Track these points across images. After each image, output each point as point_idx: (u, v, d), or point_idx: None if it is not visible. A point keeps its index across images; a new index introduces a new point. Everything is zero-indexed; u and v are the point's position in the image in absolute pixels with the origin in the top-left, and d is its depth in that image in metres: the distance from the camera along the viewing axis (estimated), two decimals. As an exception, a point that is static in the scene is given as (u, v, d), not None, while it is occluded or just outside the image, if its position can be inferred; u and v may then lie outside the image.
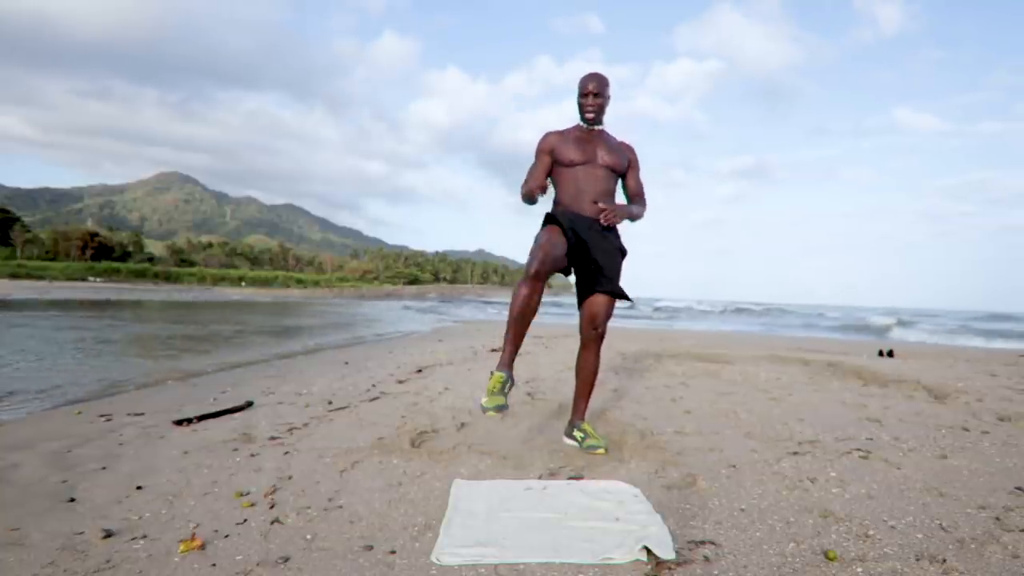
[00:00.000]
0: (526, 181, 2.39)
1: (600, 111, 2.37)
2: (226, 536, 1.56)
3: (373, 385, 3.97)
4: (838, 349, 7.78)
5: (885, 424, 2.92)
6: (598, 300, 2.37)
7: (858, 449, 2.43)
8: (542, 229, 2.29)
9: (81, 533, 1.58)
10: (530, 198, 2.32)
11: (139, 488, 1.92)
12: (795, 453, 2.36)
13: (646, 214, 2.49)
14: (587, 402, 2.50)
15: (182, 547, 1.48)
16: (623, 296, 2.38)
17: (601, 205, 2.30)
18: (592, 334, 2.39)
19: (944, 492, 1.91)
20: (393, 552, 1.47)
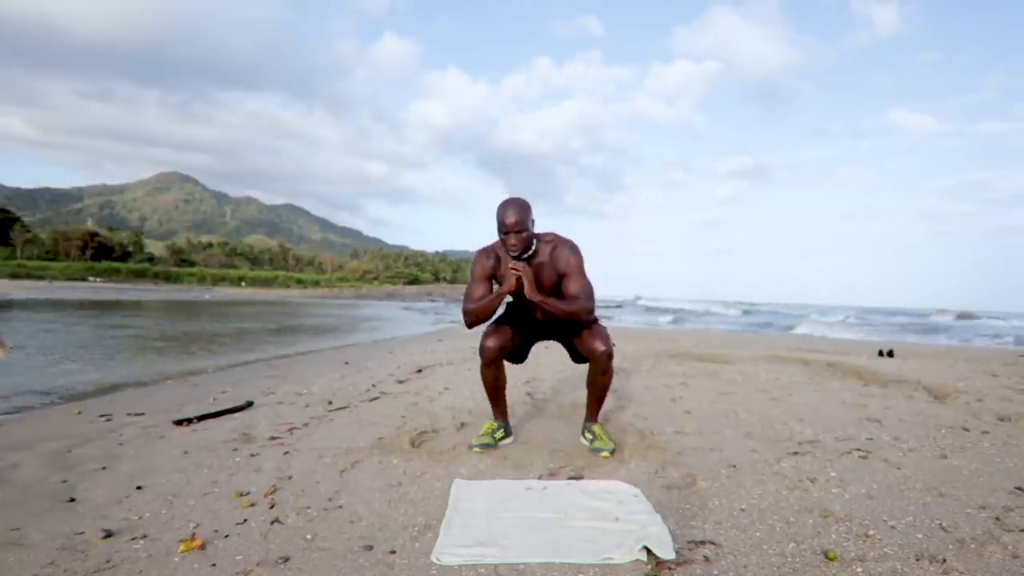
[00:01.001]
0: (472, 308, 2.29)
1: (524, 246, 2.21)
2: (226, 536, 1.56)
3: (373, 385, 3.97)
4: (838, 349, 7.78)
5: (885, 424, 2.92)
6: (583, 337, 2.33)
7: (858, 449, 2.43)
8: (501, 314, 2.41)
9: (81, 533, 1.58)
10: (473, 325, 2.31)
11: (139, 488, 1.93)
12: (795, 453, 2.36)
13: (587, 315, 2.26)
14: (599, 407, 2.49)
15: (182, 547, 1.48)
16: (591, 322, 2.33)
17: (513, 268, 2.20)
18: (598, 355, 2.30)
19: (944, 492, 1.91)
20: (393, 552, 1.47)
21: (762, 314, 31.01)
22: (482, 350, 2.37)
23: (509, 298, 2.38)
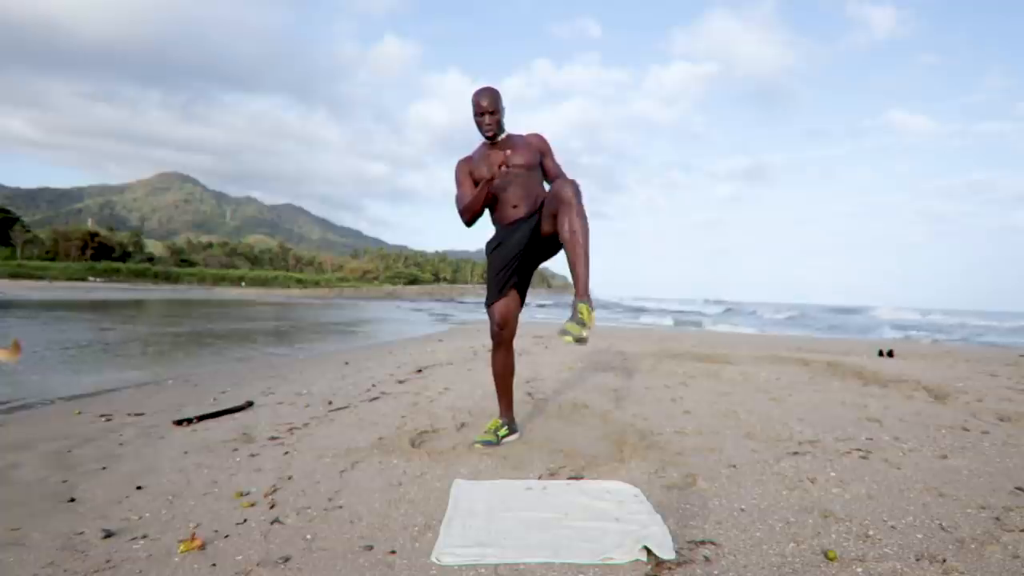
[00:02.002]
0: (461, 207, 2.47)
1: (498, 127, 2.41)
2: (226, 536, 1.56)
3: (373, 385, 3.97)
4: (838, 349, 7.78)
5: (885, 424, 2.92)
6: (549, 200, 2.25)
7: (858, 449, 2.43)
8: (489, 278, 2.53)
9: (81, 533, 1.58)
10: (470, 221, 2.46)
11: (139, 488, 1.93)
12: (795, 453, 2.36)
13: (575, 186, 2.21)
14: (585, 275, 2.09)
15: (182, 547, 1.48)
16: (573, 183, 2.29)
17: (497, 166, 2.31)
18: (565, 196, 2.14)
19: (944, 492, 1.91)
20: (393, 552, 1.47)
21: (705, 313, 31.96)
22: (494, 331, 2.51)
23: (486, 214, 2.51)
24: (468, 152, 2.56)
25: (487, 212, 2.54)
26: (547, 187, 2.52)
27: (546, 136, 2.56)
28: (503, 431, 2.51)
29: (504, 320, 2.49)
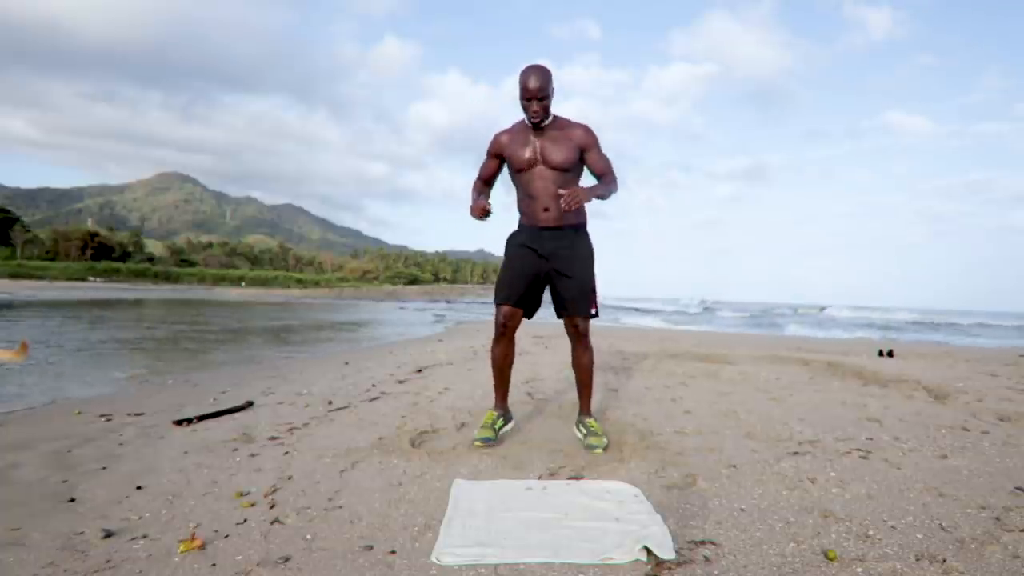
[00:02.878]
0: (475, 188, 2.50)
1: (545, 113, 2.27)
2: (226, 536, 1.56)
3: (373, 385, 3.97)
4: (838, 349, 7.78)
5: (885, 424, 2.92)
6: (571, 318, 2.44)
7: (858, 449, 2.43)
8: (502, 276, 2.45)
9: (81, 533, 1.58)
10: (478, 213, 2.35)
11: (139, 488, 1.93)
12: (795, 453, 2.36)
13: (617, 189, 2.38)
14: (589, 396, 2.54)
15: (182, 547, 1.48)
16: (594, 309, 2.43)
17: (561, 192, 2.24)
18: (573, 332, 2.45)
19: (944, 492, 1.91)
20: (393, 552, 1.47)
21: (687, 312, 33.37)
22: (498, 323, 2.45)
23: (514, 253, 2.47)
24: (482, 134, 2.53)
25: (514, 201, 2.49)
26: (593, 182, 2.41)
27: (591, 128, 2.38)
28: (499, 423, 2.50)
29: (506, 322, 2.46)
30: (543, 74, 2.22)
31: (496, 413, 2.54)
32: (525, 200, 2.42)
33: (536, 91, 2.20)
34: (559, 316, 2.50)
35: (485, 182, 2.54)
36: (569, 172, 2.34)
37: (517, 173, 2.38)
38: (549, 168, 2.31)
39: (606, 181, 2.36)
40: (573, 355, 2.52)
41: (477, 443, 2.38)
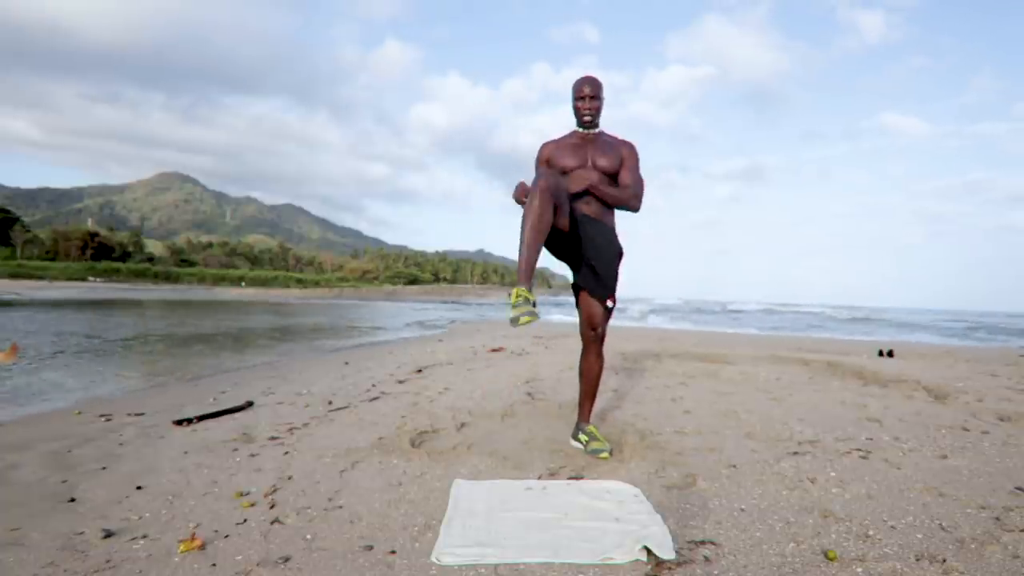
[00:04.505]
0: (526, 198, 2.24)
1: (596, 114, 2.39)
2: (226, 536, 1.56)
3: (373, 385, 3.97)
4: (838, 349, 7.77)
5: (885, 424, 2.92)
6: (594, 303, 2.36)
7: (858, 449, 2.43)
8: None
9: (81, 533, 1.58)
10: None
11: (139, 488, 1.93)
12: (795, 453, 2.36)
13: (634, 204, 2.39)
14: (592, 404, 2.52)
15: (182, 547, 1.48)
16: (611, 302, 2.37)
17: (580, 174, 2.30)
18: (591, 335, 2.40)
19: (944, 492, 1.91)
20: (393, 552, 1.47)
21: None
22: (540, 173, 2.12)
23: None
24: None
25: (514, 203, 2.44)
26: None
27: (636, 147, 2.43)
28: (533, 297, 1.99)
29: (548, 184, 2.06)
30: (595, 81, 2.39)
31: (524, 288, 1.98)
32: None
33: (589, 92, 2.36)
34: (577, 301, 2.41)
35: None
36: (610, 177, 2.39)
37: (563, 174, 2.39)
38: (595, 172, 2.35)
39: (622, 189, 2.38)
40: (583, 361, 2.45)
41: (524, 319, 1.89)
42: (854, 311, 39.18)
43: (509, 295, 2.03)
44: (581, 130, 2.42)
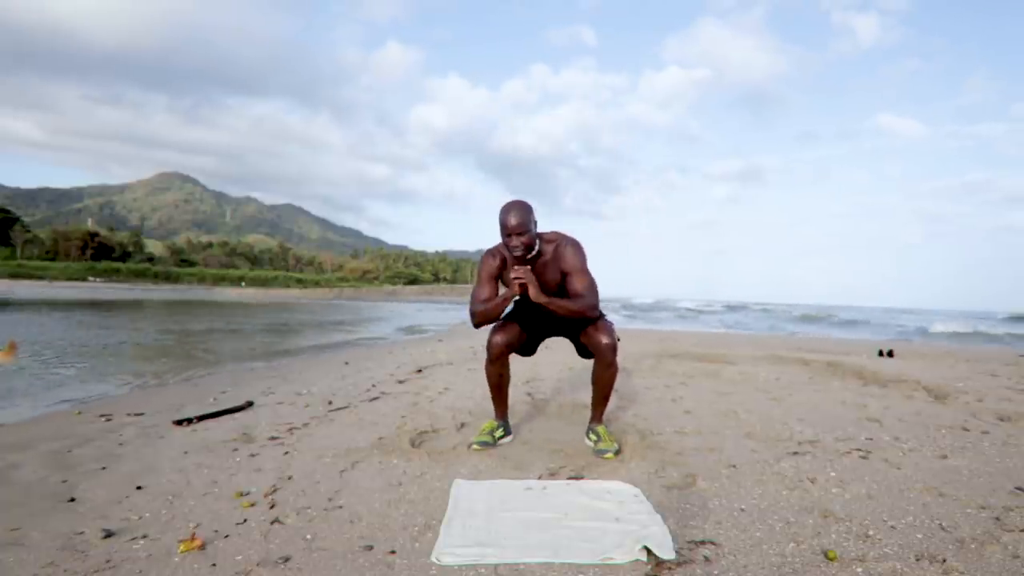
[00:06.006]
0: (478, 310, 2.31)
1: (528, 249, 2.25)
2: (226, 536, 1.56)
3: (373, 385, 3.97)
4: (838, 349, 7.77)
5: (885, 424, 2.92)
6: (588, 332, 2.36)
7: (858, 449, 2.43)
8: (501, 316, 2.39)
9: (81, 533, 1.58)
10: (480, 325, 2.33)
11: (139, 488, 1.92)
12: (795, 453, 2.36)
13: (592, 314, 2.28)
14: (603, 408, 2.52)
15: (182, 547, 1.48)
16: (596, 318, 2.36)
17: (516, 275, 2.20)
18: (602, 347, 2.33)
19: (944, 492, 1.91)
20: (393, 552, 1.47)
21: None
22: (489, 346, 2.42)
23: (516, 298, 2.40)
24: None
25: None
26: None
27: (582, 247, 2.33)
28: (499, 432, 2.50)
29: (499, 346, 2.40)
30: (522, 209, 2.22)
31: (497, 423, 2.54)
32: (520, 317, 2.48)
33: (516, 227, 2.20)
34: (581, 355, 2.56)
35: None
36: (560, 290, 2.33)
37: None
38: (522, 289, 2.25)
39: (572, 300, 2.27)
40: (597, 368, 2.41)
41: (475, 447, 2.38)
42: (824, 310, 40.25)
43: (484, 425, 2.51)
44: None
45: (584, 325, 2.36)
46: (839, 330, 18.84)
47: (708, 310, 36.41)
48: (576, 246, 2.33)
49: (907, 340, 12.79)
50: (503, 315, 2.43)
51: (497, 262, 2.37)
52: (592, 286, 2.30)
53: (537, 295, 2.19)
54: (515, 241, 2.22)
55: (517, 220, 2.20)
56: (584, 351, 2.52)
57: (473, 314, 2.33)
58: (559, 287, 2.32)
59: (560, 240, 2.33)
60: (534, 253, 2.31)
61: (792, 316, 28.14)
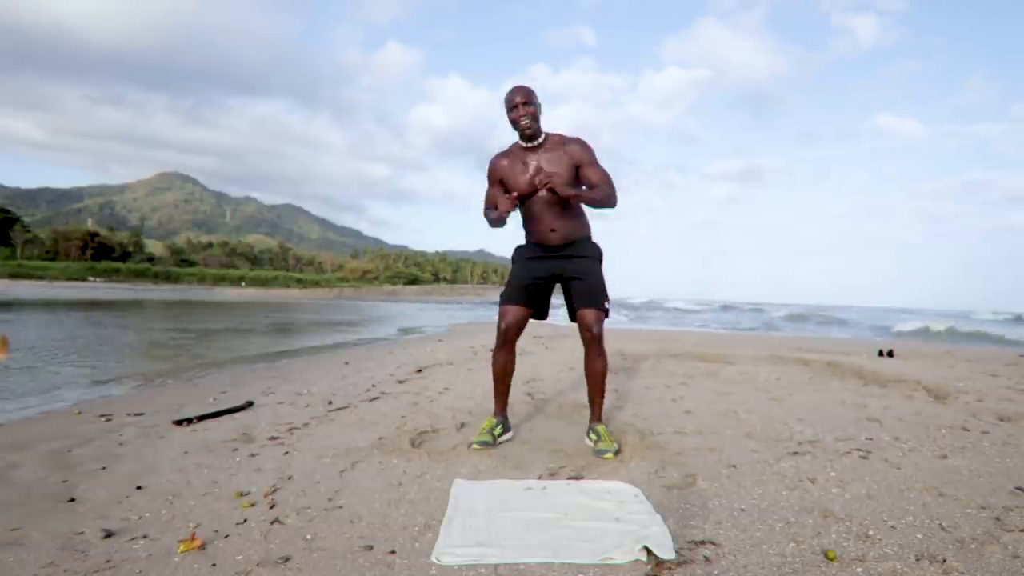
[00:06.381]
0: (487, 210, 2.42)
1: (534, 120, 2.29)
2: (226, 536, 1.56)
3: (373, 385, 3.97)
4: (838, 349, 7.78)
5: (885, 424, 2.92)
6: (583, 312, 2.41)
7: (858, 449, 2.43)
8: (509, 280, 2.50)
9: (81, 533, 1.58)
10: (499, 224, 2.35)
11: (139, 488, 1.92)
12: (795, 453, 2.36)
13: (612, 200, 2.34)
14: (601, 403, 2.53)
15: (182, 547, 1.48)
16: (602, 309, 2.42)
17: (540, 180, 2.25)
18: (587, 336, 2.42)
19: (944, 492, 1.91)
20: (393, 552, 1.47)
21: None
22: (499, 332, 2.46)
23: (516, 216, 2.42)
24: (480, 151, 2.48)
25: (520, 219, 2.47)
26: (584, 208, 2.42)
27: (588, 142, 2.36)
28: (498, 430, 2.50)
29: (508, 326, 2.46)
30: (524, 87, 2.30)
31: (496, 420, 2.53)
32: (530, 221, 2.44)
33: (520, 99, 2.27)
34: (572, 318, 2.51)
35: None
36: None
37: (521, 197, 2.38)
38: (549, 190, 2.30)
39: (599, 190, 2.33)
40: (586, 361, 2.47)
41: (476, 446, 2.39)
42: (812, 309, 40.66)
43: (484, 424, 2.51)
44: (524, 144, 2.35)
45: (586, 290, 2.39)
46: (823, 329, 18.86)
47: (697, 309, 36.52)
48: (583, 142, 2.37)
49: (891, 339, 12.80)
50: (509, 288, 2.48)
51: (502, 166, 2.40)
52: (608, 176, 2.34)
53: (565, 189, 2.21)
54: (521, 111, 2.27)
55: (522, 93, 2.28)
56: (572, 316, 2.52)
57: (487, 220, 2.38)
58: (571, 183, 2.32)
59: (564, 137, 2.38)
60: (541, 139, 2.34)
61: (780, 315, 28.40)
